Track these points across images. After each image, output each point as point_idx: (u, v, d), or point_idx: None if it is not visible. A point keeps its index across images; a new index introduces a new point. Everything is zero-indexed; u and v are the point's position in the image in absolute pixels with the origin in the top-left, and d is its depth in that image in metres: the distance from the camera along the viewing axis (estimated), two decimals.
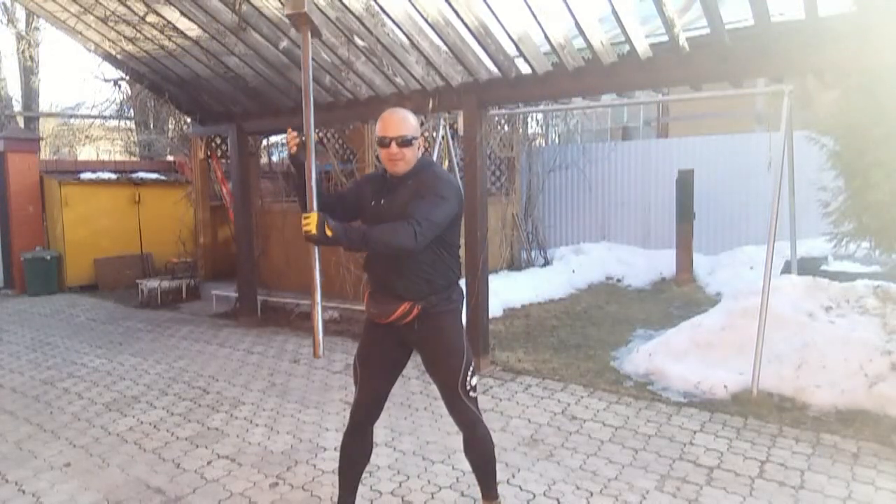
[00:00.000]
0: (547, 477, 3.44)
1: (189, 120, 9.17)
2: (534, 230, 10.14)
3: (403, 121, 2.57)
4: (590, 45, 4.56)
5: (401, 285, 2.59)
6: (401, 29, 4.99)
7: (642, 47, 4.49)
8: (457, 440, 3.76)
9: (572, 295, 8.43)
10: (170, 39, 6.43)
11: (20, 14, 15.46)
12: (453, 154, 6.89)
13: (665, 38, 4.40)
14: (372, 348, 2.75)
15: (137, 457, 3.85)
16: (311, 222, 2.37)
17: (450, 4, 4.40)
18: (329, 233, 2.37)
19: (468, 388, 2.66)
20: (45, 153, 17.14)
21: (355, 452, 2.83)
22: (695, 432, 3.98)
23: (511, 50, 4.96)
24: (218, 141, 8.98)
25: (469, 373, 2.66)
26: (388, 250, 2.48)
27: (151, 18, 6.04)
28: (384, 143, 2.57)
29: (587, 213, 10.71)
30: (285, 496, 3.33)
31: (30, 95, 16.19)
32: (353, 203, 2.77)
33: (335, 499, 3.20)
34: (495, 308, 7.04)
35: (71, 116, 18.93)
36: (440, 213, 2.48)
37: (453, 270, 2.68)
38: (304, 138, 2.59)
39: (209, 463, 3.75)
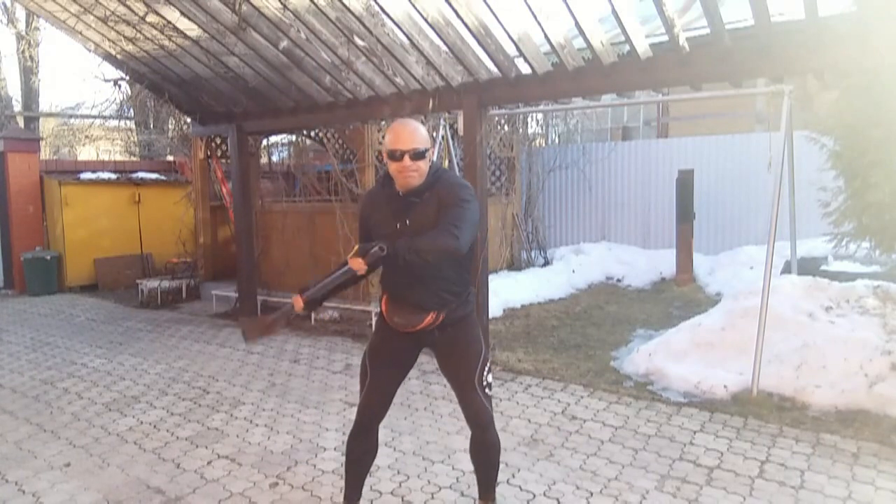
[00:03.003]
0: (547, 477, 3.44)
1: (189, 120, 9.17)
2: (534, 230, 10.14)
3: (416, 132, 2.48)
4: (590, 45, 4.56)
5: (426, 298, 2.57)
6: (401, 29, 5.00)
7: (642, 47, 4.49)
8: (457, 440, 3.77)
9: (572, 295, 8.43)
10: (170, 39, 6.43)
11: (20, 14, 15.47)
12: (453, 154, 6.90)
13: (665, 38, 4.40)
14: (385, 347, 2.72)
15: (137, 457, 3.85)
16: (355, 255, 2.41)
17: (450, 4, 4.40)
18: (382, 252, 2.38)
19: (484, 383, 2.66)
20: (46, 153, 17.13)
21: (362, 453, 2.81)
22: (695, 432, 3.98)
23: (511, 50, 4.96)
24: (218, 141, 8.98)
25: (486, 368, 2.68)
26: (437, 255, 2.42)
27: (151, 18, 6.05)
28: (396, 156, 2.46)
29: (587, 213, 10.71)
30: (285, 496, 3.33)
31: (30, 95, 16.19)
32: (366, 229, 2.70)
33: (335, 499, 3.21)
34: (495, 308, 7.04)
35: (71, 116, 18.93)
36: (471, 214, 2.48)
37: (469, 274, 2.74)
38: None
39: (209, 463, 3.75)
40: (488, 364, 2.70)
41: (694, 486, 3.30)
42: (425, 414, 4.40)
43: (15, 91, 16.87)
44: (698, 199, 8.79)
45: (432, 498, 3.26)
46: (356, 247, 2.46)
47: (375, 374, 2.71)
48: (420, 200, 2.54)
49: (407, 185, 2.52)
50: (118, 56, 7.40)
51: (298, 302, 2.62)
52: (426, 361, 5.05)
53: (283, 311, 2.68)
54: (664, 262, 9.10)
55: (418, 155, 2.47)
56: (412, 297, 2.59)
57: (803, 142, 6.19)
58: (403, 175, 2.49)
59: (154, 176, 11.23)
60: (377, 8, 4.92)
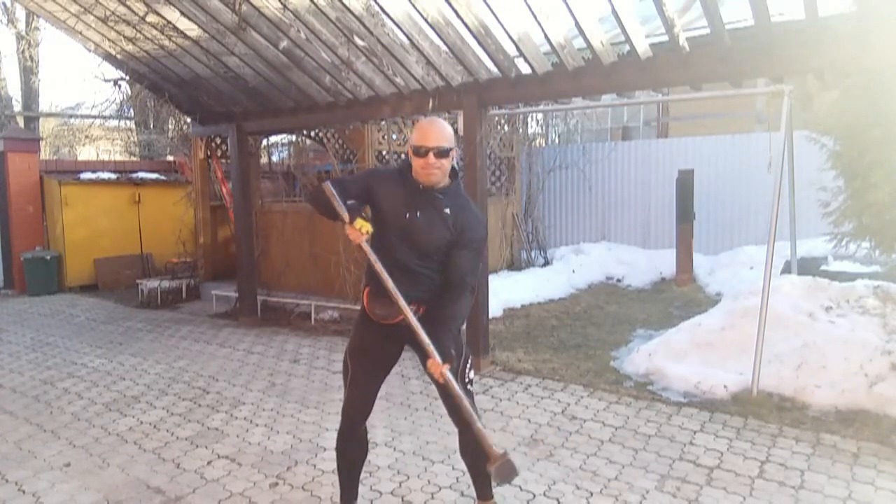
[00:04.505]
0: (547, 477, 3.44)
1: (189, 120, 9.17)
2: (534, 230, 10.14)
3: (443, 131, 2.52)
4: (590, 45, 4.56)
5: (411, 290, 2.57)
6: (401, 29, 4.99)
7: (642, 47, 4.49)
8: (457, 440, 3.76)
9: (572, 295, 8.43)
10: (170, 39, 6.43)
11: (20, 14, 15.47)
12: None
13: (665, 38, 4.40)
14: (366, 344, 2.73)
15: (137, 457, 3.85)
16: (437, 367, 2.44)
17: (450, 4, 4.40)
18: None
19: (466, 380, 2.68)
20: (45, 153, 17.14)
21: (353, 452, 2.83)
22: (695, 432, 3.98)
23: (511, 50, 4.96)
24: (218, 141, 8.98)
25: (467, 365, 2.70)
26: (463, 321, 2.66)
27: (151, 18, 6.05)
28: (421, 152, 2.49)
29: (587, 213, 10.71)
30: (285, 496, 3.33)
31: (30, 95, 16.19)
32: (362, 196, 2.63)
33: (335, 499, 3.20)
34: (495, 308, 7.04)
35: (71, 116, 18.94)
36: (481, 259, 2.72)
37: None
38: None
39: (209, 463, 3.75)
40: (469, 362, 2.73)
41: (694, 486, 3.30)
42: (425, 414, 4.40)
43: (15, 91, 16.89)
44: (698, 199, 8.79)
45: (432, 498, 3.27)
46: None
47: (356, 372, 2.72)
48: (440, 199, 2.56)
49: (429, 182, 2.55)
50: (118, 56, 7.40)
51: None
52: None
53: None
54: (664, 262, 9.10)
55: (442, 153, 2.51)
56: (402, 292, 2.56)
57: (803, 142, 6.19)
58: (427, 171, 2.52)
59: (154, 176, 11.23)
60: (377, 8, 4.92)
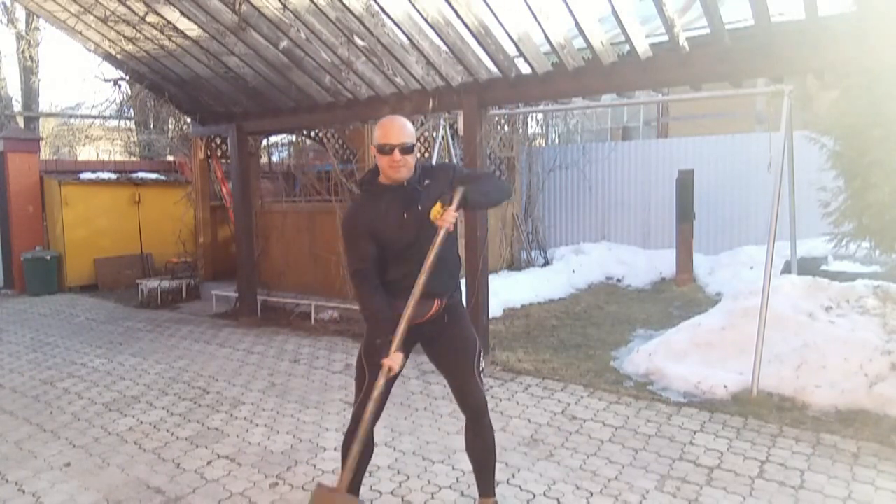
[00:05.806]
0: (547, 477, 3.44)
1: (189, 120, 9.17)
2: (534, 230, 10.14)
3: (404, 128, 2.58)
4: (590, 45, 4.57)
5: (436, 284, 2.59)
6: (401, 29, 5.00)
7: (642, 47, 4.50)
8: (457, 440, 3.78)
9: (572, 295, 8.43)
10: (170, 39, 6.44)
11: (20, 14, 15.48)
12: (453, 154, 6.90)
13: (665, 38, 4.40)
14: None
15: (137, 457, 3.85)
16: (439, 210, 2.47)
17: (450, 4, 4.40)
18: (462, 197, 2.52)
19: (480, 368, 2.75)
20: (45, 153, 17.14)
21: (358, 453, 2.80)
22: (695, 432, 3.98)
23: (511, 50, 4.96)
24: (218, 141, 8.98)
25: (480, 353, 2.77)
26: (498, 198, 2.69)
27: (151, 18, 6.05)
28: (386, 150, 2.55)
29: (587, 213, 10.71)
30: (285, 496, 3.33)
31: (30, 95, 16.20)
32: (372, 245, 2.62)
33: None
34: (495, 308, 7.04)
35: (71, 116, 18.95)
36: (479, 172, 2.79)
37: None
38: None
39: (209, 463, 3.75)
40: (481, 351, 2.79)
41: (694, 486, 3.30)
42: (425, 414, 4.40)
43: (15, 91, 16.90)
44: (698, 199, 8.78)
45: (432, 498, 3.26)
46: (437, 204, 2.48)
47: (373, 374, 2.69)
48: (408, 191, 2.62)
49: (398, 178, 2.60)
50: (118, 56, 7.40)
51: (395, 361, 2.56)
52: (426, 361, 5.05)
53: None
54: (664, 262, 9.10)
55: (407, 149, 2.56)
56: (425, 287, 2.56)
57: (803, 142, 6.18)
58: (394, 168, 2.57)
59: (154, 176, 11.23)
60: (377, 8, 4.93)
